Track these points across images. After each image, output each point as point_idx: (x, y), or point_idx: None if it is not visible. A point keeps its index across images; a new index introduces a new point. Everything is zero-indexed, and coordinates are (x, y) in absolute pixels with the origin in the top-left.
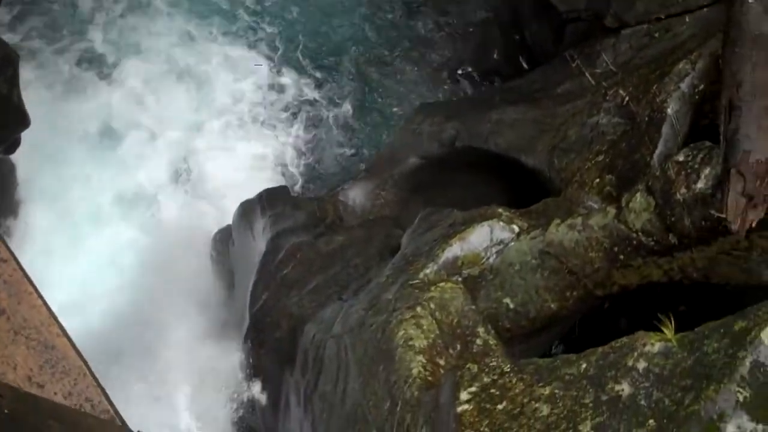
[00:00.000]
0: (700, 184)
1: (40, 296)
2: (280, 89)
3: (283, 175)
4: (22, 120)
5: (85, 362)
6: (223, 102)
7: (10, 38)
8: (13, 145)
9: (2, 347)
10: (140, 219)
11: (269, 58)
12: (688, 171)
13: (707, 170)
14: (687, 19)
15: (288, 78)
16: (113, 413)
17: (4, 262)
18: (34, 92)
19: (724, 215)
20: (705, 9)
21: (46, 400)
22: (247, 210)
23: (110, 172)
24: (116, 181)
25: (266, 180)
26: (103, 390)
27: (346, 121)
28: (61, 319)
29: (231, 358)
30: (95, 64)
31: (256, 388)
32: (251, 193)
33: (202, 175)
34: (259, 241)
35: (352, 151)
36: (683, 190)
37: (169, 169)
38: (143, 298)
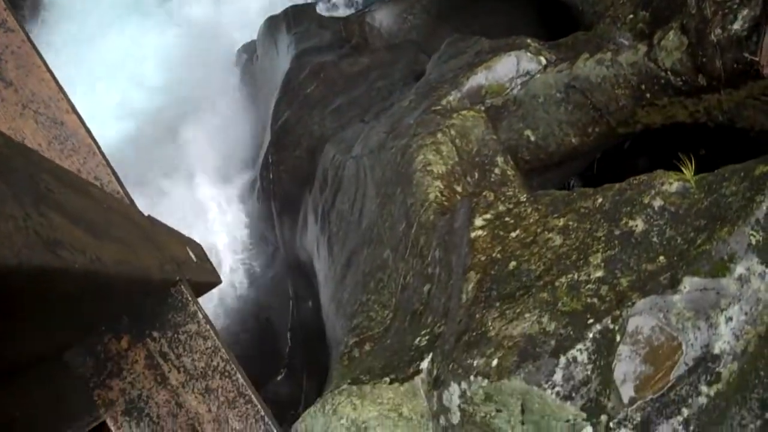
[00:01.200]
0: (736, 26)
1: (49, 70)
2: None
3: None
4: None
5: (95, 141)
6: None
7: None
8: None
9: (10, 119)
10: (166, 23)
11: None
12: (726, 11)
13: (745, 11)
14: None
15: None
16: (123, 194)
17: (11, 32)
18: None
19: (757, 59)
20: None
21: (41, 155)
22: (272, 25)
23: None
24: None
25: None
26: (113, 171)
27: None
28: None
29: (250, 174)
30: None
31: (275, 205)
32: (278, 8)
33: None
34: (283, 58)
35: None
36: (718, 31)
37: None
38: (166, 108)
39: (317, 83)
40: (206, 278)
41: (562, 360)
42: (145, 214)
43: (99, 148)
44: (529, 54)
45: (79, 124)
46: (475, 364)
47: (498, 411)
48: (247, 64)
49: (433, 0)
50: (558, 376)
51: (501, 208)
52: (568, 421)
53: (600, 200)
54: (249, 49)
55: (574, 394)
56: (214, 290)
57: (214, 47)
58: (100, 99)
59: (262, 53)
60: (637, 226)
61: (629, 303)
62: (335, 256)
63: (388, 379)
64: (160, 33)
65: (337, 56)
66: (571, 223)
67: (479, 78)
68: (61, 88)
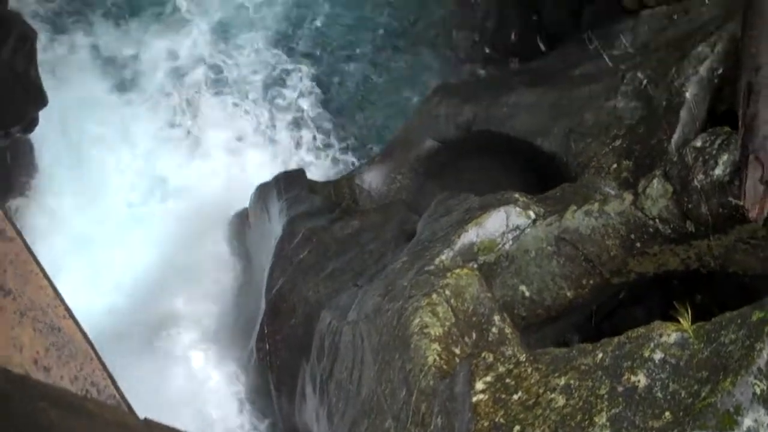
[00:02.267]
0: (717, 171)
1: (47, 277)
2: (291, 72)
3: (298, 158)
4: (39, 98)
5: (92, 346)
6: (235, 82)
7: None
8: (31, 124)
9: (9, 329)
10: (156, 201)
11: (279, 40)
12: (706, 157)
13: (725, 156)
14: (706, 1)
15: (299, 62)
16: (119, 398)
17: (10, 241)
18: (52, 71)
19: (741, 202)
20: None
21: (36, 380)
22: (263, 193)
23: (127, 153)
24: (133, 162)
25: (279, 163)
26: (110, 375)
27: (360, 103)
28: (70, 301)
29: (247, 344)
30: (118, 47)
31: (273, 377)
32: (268, 176)
33: (220, 157)
34: (276, 225)
35: (368, 133)
36: (701, 177)
37: (186, 151)
38: (156, 285)
39: (310, 249)
40: None
41: None
42: (142, 415)
43: (96, 352)
44: (517, 209)
45: (75, 329)
46: None
47: None
48: (240, 232)
49: (420, 159)
50: None
51: (501, 369)
52: None
53: (600, 356)
54: (241, 216)
55: None
56: None
57: (205, 216)
58: (89, 272)
59: (254, 221)
60: (639, 381)
61: None
62: (336, 428)
63: None
64: (153, 205)
65: (329, 220)
66: (572, 381)
67: (470, 235)
68: (57, 294)
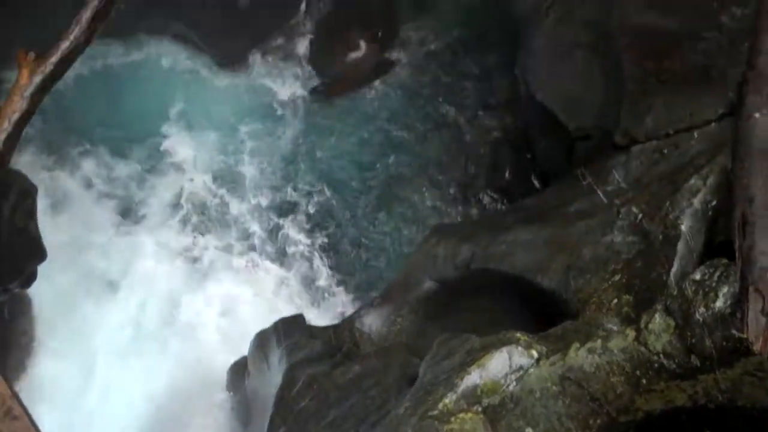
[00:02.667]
0: (718, 304)
1: None
2: (289, 212)
3: (296, 303)
4: (38, 253)
5: None
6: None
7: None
8: (30, 278)
9: None
10: (153, 350)
11: (280, 176)
12: (706, 290)
13: (725, 289)
14: (695, 135)
15: (294, 204)
16: None
17: (16, 420)
18: (51, 223)
19: (745, 335)
20: (713, 124)
21: None
22: (262, 340)
23: (124, 309)
24: (127, 307)
25: (279, 308)
26: None
27: (357, 246)
28: None
29: None
30: (119, 202)
31: None
32: (266, 323)
33: (217, 307)
34: (276, 373)
35: (366, 275)
36: (702, 310)
37: (184, 298)
38: None
39: (311, 396)
40: None
41: None
42: None
43: None
44: (520, 348)
45: None
46: None
47: None
48: (239, 381)
49: (420, 300)
50: None
51: None
52: None
53: None
54: (240, 365)
55: None
56: None
57: (203, 366)
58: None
59: (253, 369)
60: None
61: None
62: None
63: None
64: (149, 354)
65: (330, 365)
66: None
67: (473, 377)
68: None
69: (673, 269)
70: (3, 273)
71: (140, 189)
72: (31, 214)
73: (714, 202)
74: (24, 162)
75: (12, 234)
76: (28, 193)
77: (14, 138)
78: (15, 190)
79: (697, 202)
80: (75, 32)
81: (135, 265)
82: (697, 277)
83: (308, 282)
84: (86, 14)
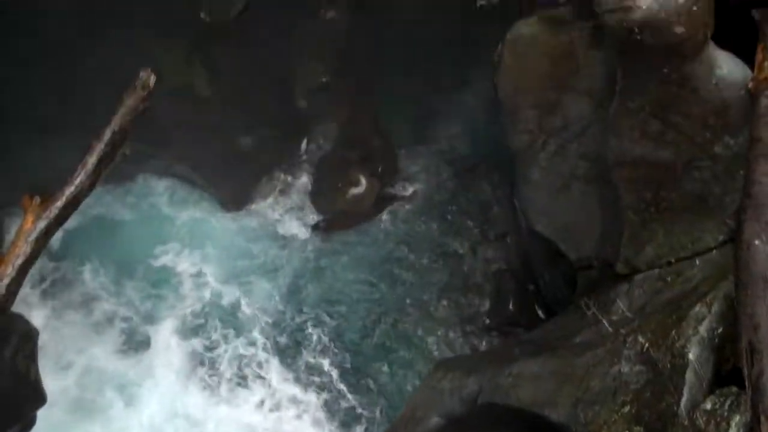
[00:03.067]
0: None
1: None
2: (285, 352)
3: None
4: (38, 397)
5: None
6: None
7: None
8: (30, 423)
9: None
10: None
11: (290, 298)
12: (718, 419)
13: (737, 417)
14: (697, 262)
15: (296, 341)
16: None
17: None
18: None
19: None
20: (713, 251)
21: None
22: None
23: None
24: None
25: None
26: None
27: (361, 381)
28: None
29: None
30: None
31: None
32: None
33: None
34: None
35: (370, 411)
36: None
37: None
38: None
39: None
40: None
41: None
42: None
43: None
44: None
45: None
46: None
47: None
48: None
49: None
50: None
51: None
52: None
53: None
54: None
55: None
56: None
57: None
58: None
59: None
60: None
61: None
62: None
63: None
64: None
65: None
66: None
67: None
68: None
69: (683, 399)
70: (3, 419)
71: (144, 322)
72: (33, 357)
73: (720, 330)
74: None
75: (12, 379)
76: (29, 336)
77: (17, 282)
78: (16, 334)
79: (703, 329)
80: (80, 177)
81: (137, 386)
82: (708, 406)
83: (307, 420)
84: (91, 159)
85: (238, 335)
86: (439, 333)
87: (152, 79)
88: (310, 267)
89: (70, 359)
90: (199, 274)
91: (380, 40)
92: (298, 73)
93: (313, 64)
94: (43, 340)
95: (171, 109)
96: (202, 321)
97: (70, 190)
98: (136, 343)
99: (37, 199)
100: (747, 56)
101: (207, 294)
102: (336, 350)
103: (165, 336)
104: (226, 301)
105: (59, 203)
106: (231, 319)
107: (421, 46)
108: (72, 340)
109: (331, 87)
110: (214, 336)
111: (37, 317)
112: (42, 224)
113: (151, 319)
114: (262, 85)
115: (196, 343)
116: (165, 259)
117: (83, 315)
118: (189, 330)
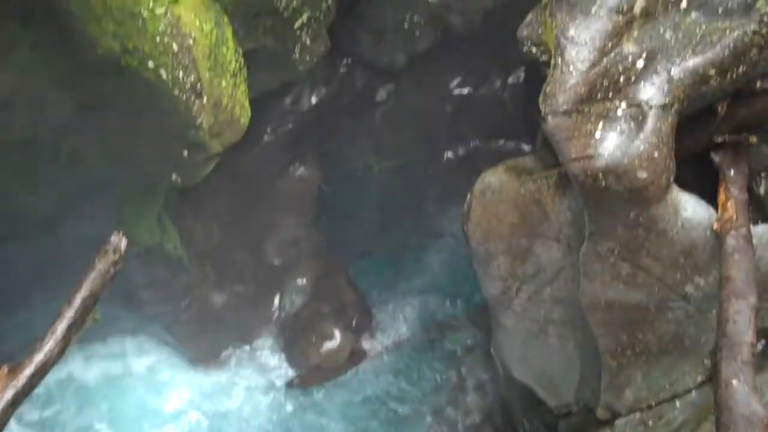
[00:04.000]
0: None
1: None
2: None
3: None
4: None
5: None
6: None
7: None
8: None
9: None
10: None
11: None
12: None
13: None
14: (677, 404)
15: None
16: None
17: None
18: None
19: None
20: (693, 392)
21: None
22: None
23: None
24: None
25: None
26: None
27: None
28: None
29: None
30: None
31: None
32: None
33: None
34: None
35: None
36: None
37: None
38: None
39: None
40: None
41: None
42: None
43: None
44: None
45: None
46: None
47: None
48: None
49: None
50: None
51: None
52: None
53: None
54: None
55: None
56: None
57: None
58: None
59: None
60: None
61: None
62: None
63: None
64: None
65: None
66: None
67: None
68: None
69: None
70: None
71: None
72: None
73: None
74: None
75: None
76: None
77: None
78: None
79: None
80: (50, 344)
81: None
82: None
83: None
84: (61, 325)
85: None
86: None
87: (123, 242)
88: (283, 423)
89: None
90: None
91: (350, 195)
92: (270, 229)
93: (284, 219)
94: None
95: (142, 270)
96: None
97: (39, 358)
98: None
99: (5, 369)
100: (710, 198)
101: None
102: None
103: None
104: None
105: (27, 371)
106: None
107: (391, 199)
108: None
109: (303, 242)
110: None
111: None
112: (9, 394)
113: None
114: (234, 242)
115: None
116: (133, 422)
117: None
118: None
